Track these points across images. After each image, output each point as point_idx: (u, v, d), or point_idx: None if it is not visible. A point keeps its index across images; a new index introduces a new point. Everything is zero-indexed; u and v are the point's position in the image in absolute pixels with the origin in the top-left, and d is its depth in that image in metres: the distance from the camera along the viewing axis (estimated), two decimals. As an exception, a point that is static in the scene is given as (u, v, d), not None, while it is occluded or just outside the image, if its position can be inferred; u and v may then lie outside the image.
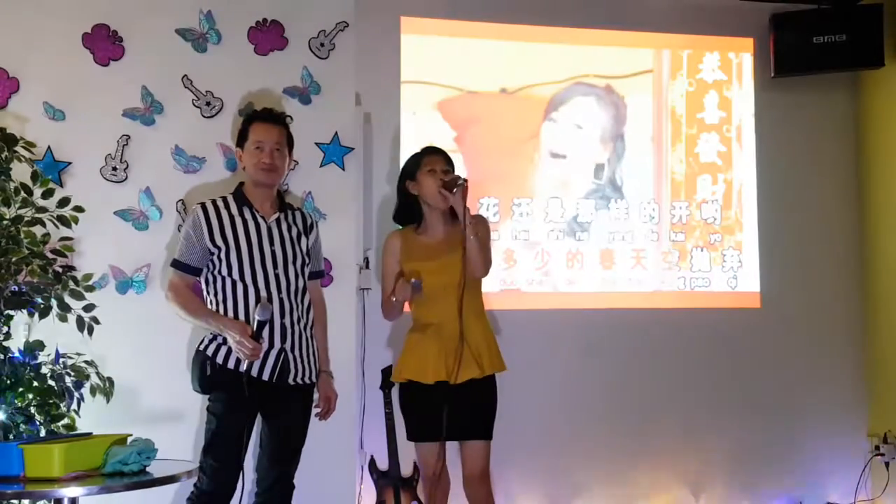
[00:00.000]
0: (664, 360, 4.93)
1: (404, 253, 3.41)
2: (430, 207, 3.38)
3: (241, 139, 3.26)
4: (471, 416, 3.30)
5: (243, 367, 3.05)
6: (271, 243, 3.17)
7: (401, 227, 3.52)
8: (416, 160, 3.41)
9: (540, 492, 4.72)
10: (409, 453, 4.38)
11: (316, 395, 3.32)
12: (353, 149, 3.87)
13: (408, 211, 3.46)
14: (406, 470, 4.41)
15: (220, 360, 3.08)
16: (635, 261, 4.97)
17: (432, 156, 3.39)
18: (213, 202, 3.22)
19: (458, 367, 3.24)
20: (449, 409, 3.25)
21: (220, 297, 3.14)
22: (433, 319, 3.33)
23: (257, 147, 3.19)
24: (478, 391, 3.30)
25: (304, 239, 3.26)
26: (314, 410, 3.30)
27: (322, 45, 3.86)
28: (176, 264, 3.19)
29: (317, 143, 3.83)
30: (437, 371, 3.28)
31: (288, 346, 3.13)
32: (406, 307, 3.42)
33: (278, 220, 3.23)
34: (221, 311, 3.13)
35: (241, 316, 3.09)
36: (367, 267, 4.50)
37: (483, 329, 3.34)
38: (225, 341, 3.09)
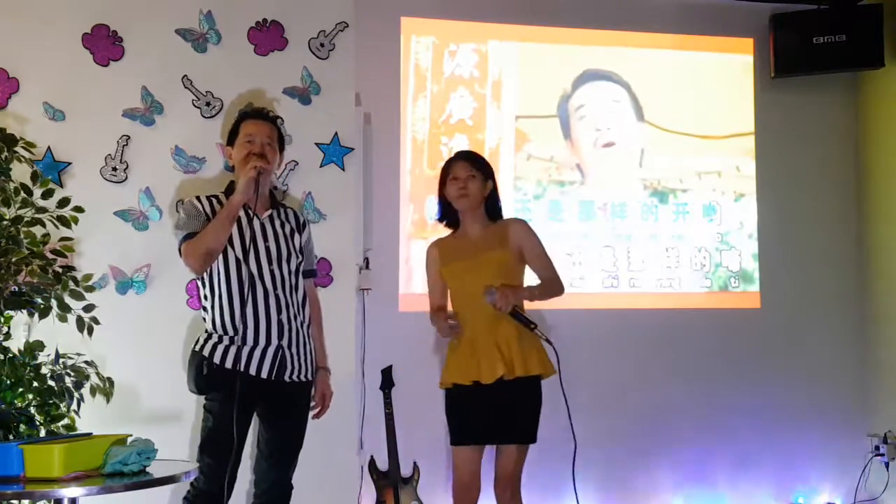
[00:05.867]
0: (664, 361, 4.94)
1: (443, 258, 3.44)
2: (462, 211, 3.43)
3: (232, 137, 3.25)
4: (507, 418, 3.27)
5: (241, 365, 3.05)
6: (265, 239, 3.16)
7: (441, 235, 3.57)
8: (445, 168, 3.47)
9: (538, 493, 4.72)
10: (409, 453, 4.39)
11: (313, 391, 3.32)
12: (353, 149, 3.87)
13: (448, 215, 3.50)
14: (406, 470, 4.42)
15: (216, 359, 3.06)
16: (636, 261, 4.98)
17: (456, 163, 3.43)
18: (207, 197, 3.20)
19: (487, 368, 3.24)
20: (486, 411, 3.26)
21: (214, 292, 3.12)
22: (468, 320, 3.33)
23: (248, 140, 3.17)
24: (513, 392, 3.26)
25: (297, 236, 3.26)
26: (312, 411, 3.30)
27: (322, 45, 3.86)
28: (187, 237, 3.08)
29: (317, 144, 3.83)
30: (470, 372, 3.28)
31: (285, 342, 3.12)
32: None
33: (271, 217, 3.22)
34: (217, 307, 3.11)
35: (237, 312, 3.07)
36: (367, 267, 4.50)
37: (518, 329, 3.30)
38: (221, 339, 3.08)
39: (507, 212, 4.73)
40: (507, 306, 3.22)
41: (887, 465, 4.90)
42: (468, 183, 3.37)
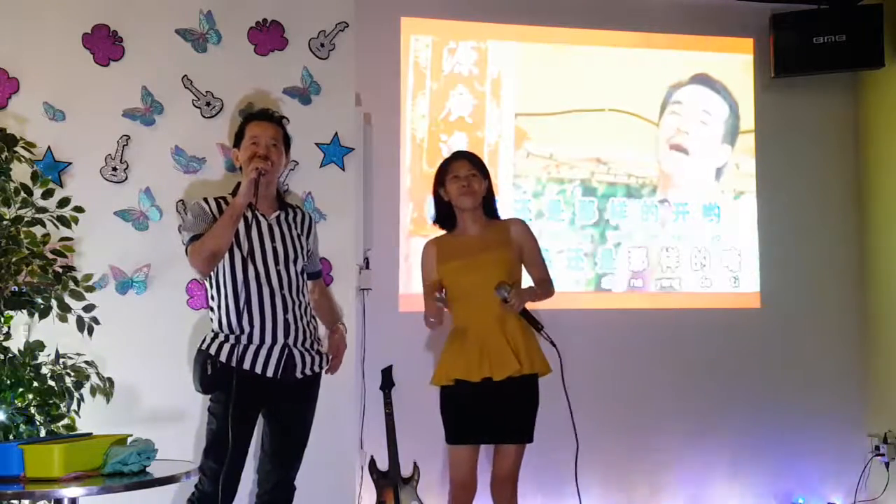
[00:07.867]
0: (664, 361, 4.93)
1: (441, 257, 3.44)
2: (461, 210, 3.44)
3: (238, 139, 3.26)
4: (510, 418, 3.29)
5: (247, 364, 3.05)
6: (272, 240, 3.17)
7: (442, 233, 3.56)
8: (444, 167, 3.48)
9: (539, 493, 4.72)
10: (409, 453, 4.39)
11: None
12: (353, 149, 3.88)
13: (445, 215, 3.50)
14: (406, 470, 4.42)
15: (223, 357, 3.07)
16: (636, 261, 4.98)
17: (456, 162, 3.46)
18: (215, 199, 3.21)
19: (498, 364, 3.25)
20: (486, 410, 3.27)
21: (221, 292, 3.13)
22: (472, 318, 3.33)
23: (253, 142, 3.18)
24: (518, 391, 3.29)
25: (303, 238, 3.28)
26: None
27: (322, 45, 3.87)
28: (194, 238, 3.09)
29: (317, 144, 3.83)
30: (481, 369, 3.27)
31: (291, 341, 3.13)
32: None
33: (278, 218, 3.23)
34: (223, 306, 3.12)
35: (244, 312, 3.07)
36: (367, 267, 4.50)
37: (523, 328, 3.33)
38: (227, 338, 3.08)
39: (507, 210, 4.77)
40: (521, 305, 3.27)
41: (887, 465, 4.90)
42: (471, 181, 3.39)
